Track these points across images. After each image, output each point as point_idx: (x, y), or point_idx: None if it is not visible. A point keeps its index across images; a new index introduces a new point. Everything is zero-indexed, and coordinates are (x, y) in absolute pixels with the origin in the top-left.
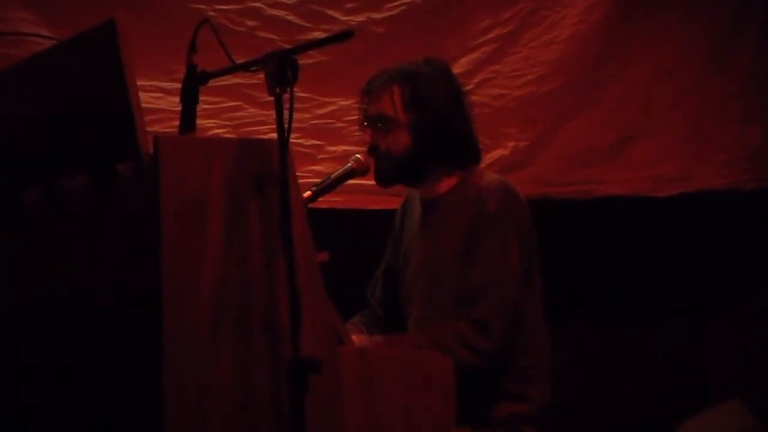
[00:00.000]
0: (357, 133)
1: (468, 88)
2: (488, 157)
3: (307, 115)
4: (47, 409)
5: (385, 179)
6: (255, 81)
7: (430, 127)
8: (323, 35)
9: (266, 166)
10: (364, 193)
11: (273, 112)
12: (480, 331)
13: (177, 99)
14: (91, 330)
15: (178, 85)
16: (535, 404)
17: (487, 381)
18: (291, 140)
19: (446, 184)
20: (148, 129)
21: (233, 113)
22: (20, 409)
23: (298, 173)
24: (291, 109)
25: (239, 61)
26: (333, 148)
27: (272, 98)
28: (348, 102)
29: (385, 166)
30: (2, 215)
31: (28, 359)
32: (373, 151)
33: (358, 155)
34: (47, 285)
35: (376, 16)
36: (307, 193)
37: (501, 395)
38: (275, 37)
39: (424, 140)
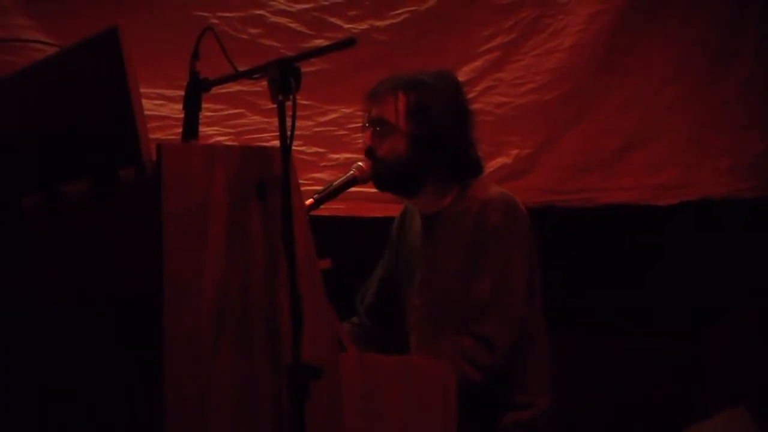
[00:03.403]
0: (359, 141)
1: (470, 96)
2: (490, 166)
3: (309, 123)
4: (47, 411)
5: (380, 184)
6: (257, 88)
7: (429, 138)
8: (326, 43)
9: (268, 174)
10: (366, 201)
11: (275, 120)
12: (485, 347)
13: (179, 106)
14: (92, 335)
15: (181, 93)
16: (535, 411)
17: (489, 391)
18: (293, 148)
19: (446, 198)
20: (151, 136)
21: (236, 121)
22: (20, 411)
23: (300, 181)
24: (294, 117)
25: (242, 68)
26: (335, 156)
27: (275, 106)
28: (350, 109)
29: (381, 171)
30: (3, 219)
31: (29, 362)
32: (369, 153)
33: (360, 163)
34: (48, 290)
35: (379, 23)
36: (309, 201)
37: (501, 404)
38: (278, 45)
39: (420, 150)
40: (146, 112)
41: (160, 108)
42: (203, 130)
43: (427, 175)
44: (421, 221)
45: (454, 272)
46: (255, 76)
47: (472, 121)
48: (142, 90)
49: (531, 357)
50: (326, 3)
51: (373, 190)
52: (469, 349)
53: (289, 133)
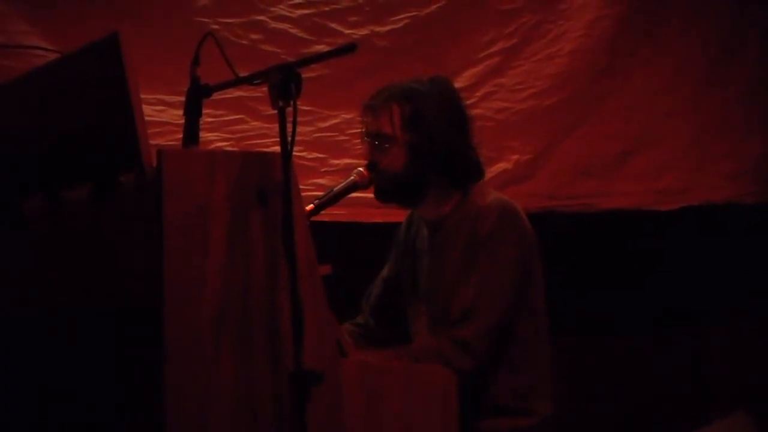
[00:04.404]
0: (360, 147)
1: (471, 101)
2: (491, 171)
3: (309, 129)
4: (47, 412)
5: (383, 196)
6: (258, 94)
7: (428, 146)
8: (326, 48)
9: (269, 179)
10: (367, 207)
11: (276, 126)
12: (462, 351)
13: (180, 112)
14: (92, 341)
15: (182, 98)
16: (537, 417)
17: (488, 396)
18: (294, 153)
19: (449, 204)
20: (151, 142)
21: (236, 126)
22: (20, 412)
23: (300, 186)
24: (294, 123)
25: (242, 74)
26: (336, 162)
27: (275, 111)
28: (351, 115)
29: (383, 184)
30: (5, 224)
31: (29, 364)
32: (371, 167)
33: (360, 168)
34: (49, 293)
35: (380, 29)
36: (310, 207)
37: (502, 410)
38: (278, 51)
39: (420, 159)
40: (147, 118)
41: (160, 113)
42: (204, 135)
43: (428, 184)
44: (427, 228)
45: (452, 280)
46: (256, 81)
47: (471, 125)
48: (142, 95)
49: (529, 364)
50: (327, 9)
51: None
52: (446, 352)
53: (289, 138)
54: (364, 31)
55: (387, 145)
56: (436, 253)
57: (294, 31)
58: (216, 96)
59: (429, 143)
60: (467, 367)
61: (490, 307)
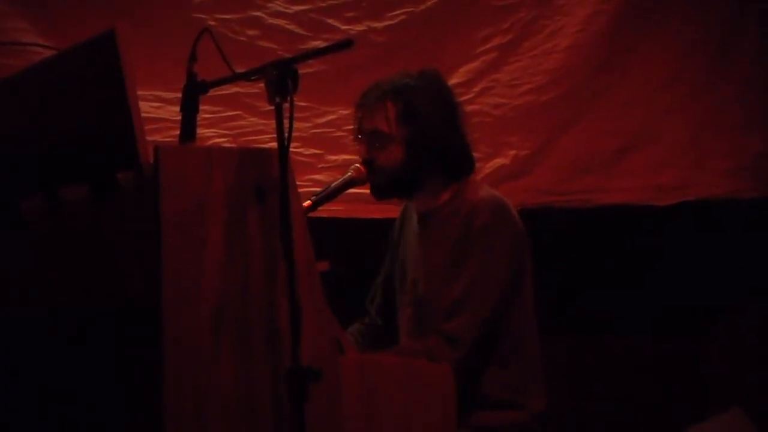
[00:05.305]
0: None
1: (468, 97)
2: (488, 167)
3: (306, 125)
4: (47, 412)
5: (379, 193)
6: (255, 90)
7: (423, 140)
8: (323, 44)
9: (266, 176)
10: (364, 202)
11: (273, 122)
12: (448, 345)
13: (177, 108)
14: (92, 341)
15: (178, 95)
16: (531, 413)
17: (481, 390)
18: (291, 149)
19: (441, 197)
20: (148, 138)
21: (233, 122)
22: (20, 412)
23: (298, 182)
24: (291, 119)
25: (239, 70)
26: (333, 157)
27: (272, 107)
28: (348, 111)
29: (379, 181)
30: (5, 224)
31: (29, 364)
32: (367, 164)
33: (357, 164)
34: (48, 292)
35: (376, 25)
36: (307, 203)
37: (494, 404)
38: (275, 47)
39: (417, 154)
40: (144, 115)
41: (157, 110)
42: (201, 132)
43: (423, 177)
44: (417, 218)
45: (440, 272)
46: (252, 77)
47: (461, 116)
48: (139, 92)
49: (523, 358)
50: (323, 4)
51: None
52: (434, 347)
53: (286, 134)
54: (360, 27)
55: (384, 143)
56: (425, 244)
57: (291, 27)
58: (213, 92)
59: (424, 137)
60: (454, 361)
61: (481, 300)
